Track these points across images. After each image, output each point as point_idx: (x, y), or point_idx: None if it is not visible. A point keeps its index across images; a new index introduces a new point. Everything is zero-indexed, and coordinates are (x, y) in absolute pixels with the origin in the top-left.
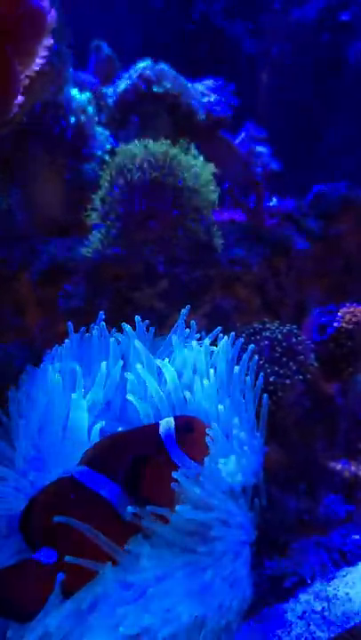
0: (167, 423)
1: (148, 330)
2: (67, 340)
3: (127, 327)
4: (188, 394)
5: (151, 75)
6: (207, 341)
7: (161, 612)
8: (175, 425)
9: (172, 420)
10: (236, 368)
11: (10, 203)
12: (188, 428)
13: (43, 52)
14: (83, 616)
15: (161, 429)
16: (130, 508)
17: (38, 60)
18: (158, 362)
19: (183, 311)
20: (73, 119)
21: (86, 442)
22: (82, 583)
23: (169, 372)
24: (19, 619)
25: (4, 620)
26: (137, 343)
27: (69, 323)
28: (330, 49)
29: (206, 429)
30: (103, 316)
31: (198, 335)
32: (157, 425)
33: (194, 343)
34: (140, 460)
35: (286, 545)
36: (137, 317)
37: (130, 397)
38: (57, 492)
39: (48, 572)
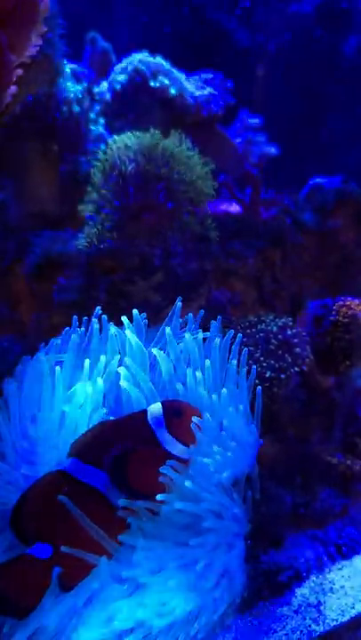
0: (155, 408)
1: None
2: (62, 333)
3: (125, 320)
4: (180, 386)
5: (146, 68)
6: (201, 335)
7: (155, 605)
8: (163, 409)
9: (159, 404)
10: (233, 362)
11: (2, 195)
12: (177, 412)
13: (37, 41)
14: (77, 610)
15: (149, 415)
16: (120, 500)
17: (32, 49)
18: (155, 351)
19: (177, 303)
20: (67, 111)
21: (80, 435)
22: (79, 576)
23: (164, 364)
24: (16, 615)
25: (1, 617)
26: (130, 335)
27: (74, 316)
28: (326, 42)
29: (196, 415)
30: (100, 311)
31: (194, 327)
32: (146, 411)
33: (187, 335)
34: (127, 449)
35: (282, 539)
36: (135, 311)
37: (124, 384)
38: (47, 486)
39: (44, 566)
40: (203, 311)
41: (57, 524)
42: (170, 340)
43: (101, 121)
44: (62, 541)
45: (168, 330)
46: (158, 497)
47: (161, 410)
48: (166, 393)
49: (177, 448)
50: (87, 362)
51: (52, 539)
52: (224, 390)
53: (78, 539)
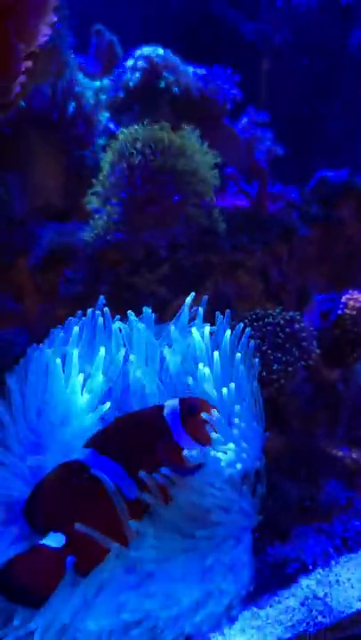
0: (172, 404)
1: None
2: (67, 325)
3: (131, 315)
4: (190, 379)
5: (154, 61)
6: (207, 330)
7: (162, 596)
8: (180, 406)
9: (176, 401)
10: (238, 355)
11: (8, 188)
12: (194, 410)
13: (46, 30)
14: (88, 600)
15: (166, 410)
16: (133, 493)
17: (41, 39)
18: (164, 349)
19: (188, 298)
20: (73, 103)
21: (86, 427)
22: (93, 564)
23: (172, 359)
24: (32, 604)
25: (11, 607)
26: (140, 327)
27: (79, 310)
28: (332, 36)
29: (208, 413)
30: (103, 301)
31: (201, 322)
32: (162, 407)
33: (194, 330)
34: (144, 444)
35: (288, 531)
36: (145, 309)
37: (137, 373)
38: (62, 476)
39: (58, 555)
40: (205, 301)
41: (70, 513)
42: (176, 338)
43: (107, 114)
44: (76, 530)
45: (173, 329)
46: (178, 496)
47: (178, 406)
48: (174, 388)
49: (191, 446)
50: (102, 351)
51: (65, 528)
52: (232, 385)
53: (93, 527)
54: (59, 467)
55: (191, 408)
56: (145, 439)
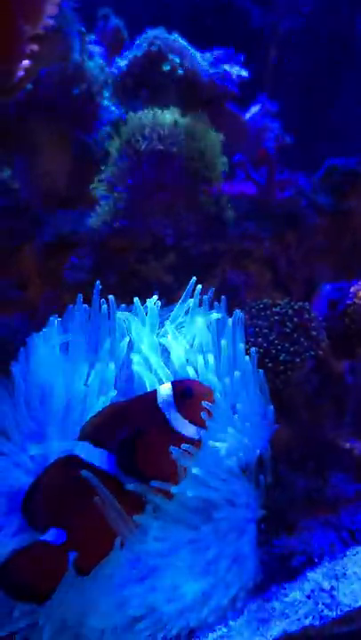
0: (165, 388)
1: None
2: (71, 313)
3: (136, 302)
4: (191, 370)
5: (162, 45)
6: (215, 315)
7: (166, 590)
8: (173, 389)
9: (169, 384)
10: (241, 345)
11: (13, 173)
12: (188, 392)
13: (52, 11)
14: (92, 596)
15: (159, 395)
16: (130, 485)
17: (47, 20)
18: (163, 341)
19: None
20: (80, 88)
21: (88, 415)
22: (95, 560)
23: (175, 349)
24: (34, 601)
25: (10, 602)
26: (144, 316)
27: (79, 295)
28: (340, 23)
29: (207, 394)
30: (100, 287)
31: (207, 309)
32: (155, 391)
33: (198, 318)
34: (136, 431)
35: (294, 523)
36: (149, 301)
37: (137, 368)
38: (59, 471)
39: (59, 552)
40: (212, 291)
41: (70, 509)
42: (179, 325)
43: (114, 99)
44: (76, 526)
45: (176, 315)
46: (180, 485)
47: (171, 390)
48: (178, 376)
49: (188, 429)
50: (97, 343)
51: (65, 524)
52: (237, 373)
53: (92, 523)
54: (55, 462)
55: (185, 391)
56: (139, 426)
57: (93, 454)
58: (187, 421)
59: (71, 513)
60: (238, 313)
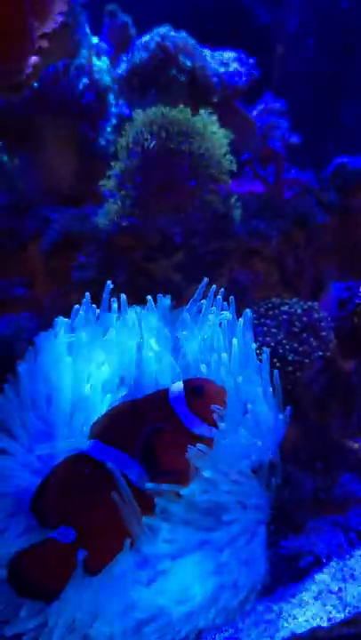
0: (176, 387)
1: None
2: (79, 312)
3: (149, 300)
4: (204, 367)
5: (170, 43)
6: (228, 315)
7: (175, 592)
8: (185, 388)
9: (181, 383)
10: (254, 346)
11: (20, 170)
12: (199, 390)
13: (62, 7)
14: (100, 597)
15: (170, 393)
16: (143, 482)
17: (57, 17)
18: (179, 335)
19: (201, 284)
20: (87, 85)
21: (96, 415)
22: (104, 560)
23: (188, 347)
24: (41, 598)
25: (18, 600)
26: (155, 314)
27: (87, 294)
28: (348, 21)
29: (219, 393)
30: (111, 285)
31: (215, 309)
32: (167, 390)
33: (211, 317)
34: (153, 432)
35: (302, 524)
36: (160, 297)
37: (147, 366)
38: (70, 469)
39: (68, 550)
40: (223, 292)
41: (80, 507)
42: (191, 324)
43: (122, 97)
44: (86, 525)
45: (187, 315)
46: (182, 491)
47: (182, 388)
48: (190, 375)
49: (200, 427)
50: (106, 341)
51: (75, 523)
52: (249, 372)
53: (102, 522)
54: (64, 460)
55: (197, 389)
56: (151, 424)
57: (104, 452)
58: (198, 419)
59: (81, 511)
60: (249, 312)
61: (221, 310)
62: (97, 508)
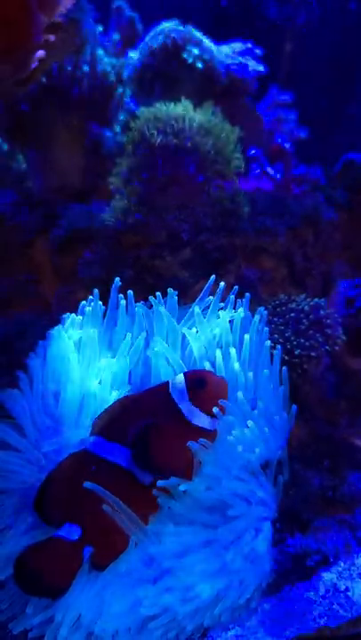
0: (178, 379)
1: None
2: (87, 308)
3: (158, 296)
4: (207, 364)
5: (178, 37)
6: (241, 312)
7: (181, 590)
8: (186, 380)
9: (182, 375)
10: (267, 343)
11: (27, 166)
12: (201, 383)
13: (68, 1)
14: (105, 594)
15: (171, 387)
16: (147, 478)
17: (63, 10)
18: (185, 331)
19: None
20: (94, 80)
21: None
22: (110, 556)
23: (196, 343)
24: (49, 595)
25: (24, 598)
26: (163, 311)
27: (95, 291)
28: (356, 15)
29: (221, 385)
30: (119, 284)
31: (222, 305)
32: (167, 383)
33: (222, 314)
34: (149, 423)
35: (309, 523)
36: (170, 290)
37: (154, 363)
38: (73, 466)
39: (74, 548)
40: (235, 290)
41: (85, 504)
42: (200, 320)
43: (129, 92)
44: (91, 522)
45: (197, 309)
46: (182, 487)
47: (183, 381)
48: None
49: (202, 420)
50: (114, 338)
51: (80, 520)
52: (266, 371)
53: (107, 519)
54: (68, 457)
55: (198, 381)
56: (152, 418)
57: (107, 449)
58: (200, 412)
59: (86, 508)
60: (262, 310)
61: (239, 308)
62: (98, 504)
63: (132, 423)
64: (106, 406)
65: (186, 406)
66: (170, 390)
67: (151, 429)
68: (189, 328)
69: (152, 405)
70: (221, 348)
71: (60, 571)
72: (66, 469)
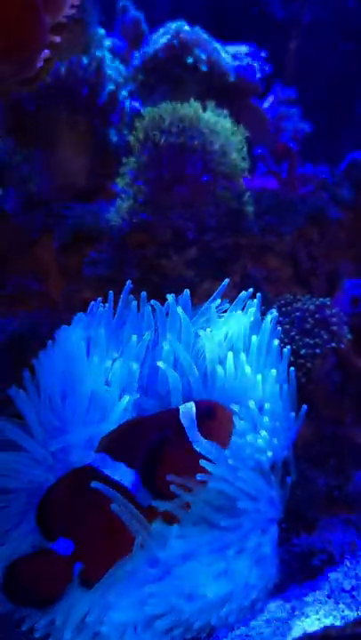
0: (188, 408)
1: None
2: (95, 308)
3: (170, 298)
4: (220, 368)
5: (183, 38)
6: (253, 312)
7: (187, 591)
8: (196, 410)
9: (192, 404)
10: (275, 344)
11: (32, 166)
12: (210, 414)
13: (73, 0)
14: (109, 595)
15: (181, 414)
16: (150, 501)
17: (68, 10)
18: (201, 332)
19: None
20: (99, 80)
21: (111, 413)
22: (100, 574)
23: (209, 344)
24: (36, 605)
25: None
26: (179, 311)
27: (109, 291)
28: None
29: (228, 418)
30: (131, 285)
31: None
32: (177, 410)
33: (238, 313)
34: (157, 449)
35: (315, 522)
36: (186, 291)
37: (160, 364)
38: (75, 481)
39: (65, 562)
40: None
41: (80, 520)
42: (214, 320)
43: (134, 92)
44: (85, 538)
45: (213, 307)
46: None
47: (194, 410)
48: (204, 372)
49: (209, 450)
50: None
51: (74, 535)
52: (273, 371)
53: (100, 536)
54: (71, 472)
55: (208, 412)
56: (158, 444)
57: (111, 467)
58: (207, 441)
59: (80, 525)
60: (274, 312)
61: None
62: (96, 522)
63: (138, 446)
64: (113, 406)
65: (194, 435)
66: (180, 418)
67: (159, 454)
68: (202, 328)
69: (161, 430)
70: (233, 348)
71: (47, 584)
72: (67, 483)
